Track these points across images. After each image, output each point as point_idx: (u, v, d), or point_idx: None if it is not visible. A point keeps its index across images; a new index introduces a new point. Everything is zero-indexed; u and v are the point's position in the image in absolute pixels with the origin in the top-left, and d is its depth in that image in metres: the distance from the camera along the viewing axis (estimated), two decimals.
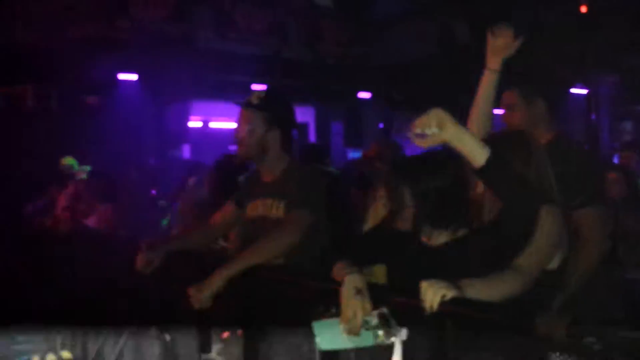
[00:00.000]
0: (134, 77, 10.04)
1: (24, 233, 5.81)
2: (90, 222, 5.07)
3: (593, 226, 2.64)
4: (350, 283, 1.91)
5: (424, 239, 2.14)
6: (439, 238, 2.13)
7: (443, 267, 1.98)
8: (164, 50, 9.81)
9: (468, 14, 11.69)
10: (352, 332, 1.85)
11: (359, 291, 1.88)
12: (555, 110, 2.87)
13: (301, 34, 11.70)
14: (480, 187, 2.09)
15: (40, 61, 8.79)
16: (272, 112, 2.84)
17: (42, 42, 8.89)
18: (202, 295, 2.49)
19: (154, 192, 6.65)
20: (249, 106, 2.84)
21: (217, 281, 2.49)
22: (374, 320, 1.83)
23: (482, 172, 1.83)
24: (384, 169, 3.92)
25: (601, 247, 2.71)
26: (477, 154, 1.82)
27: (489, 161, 1.80)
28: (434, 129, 1.81)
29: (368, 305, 1.86)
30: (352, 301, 1.87)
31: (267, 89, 2.97)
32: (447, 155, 2.12)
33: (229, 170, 3.79)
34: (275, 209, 2.78)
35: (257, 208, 2.87)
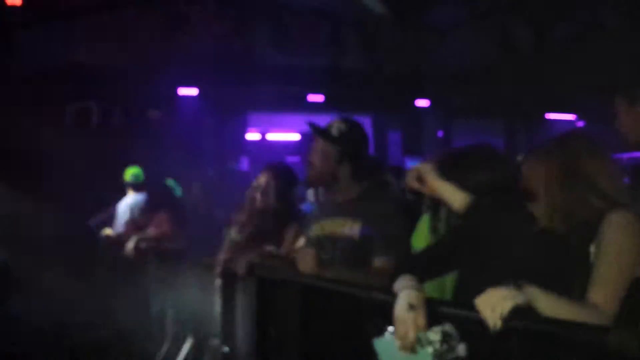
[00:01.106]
0: (194, 91, 10.27)
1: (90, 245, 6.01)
2: (150, 231, 5.19)
3: None
4: (404, 299, 1.85)
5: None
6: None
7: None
8: (223, 65, 10.00)
9: (528, 17, 11.43)
10: (407, 348, 1.79)
11: (412, 307, 1.81)
12: None
13: (358, 43, 11.68)
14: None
15: (103, 79, 9.12)
16: (347, 148, 2.90)
17: (104, 60, 9.21)
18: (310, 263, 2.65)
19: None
20: (326, 137, 2.91)
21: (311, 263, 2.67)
22: (434, 336, 1.76)
23: (464, 216, 2.05)
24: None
25: None
26: (456, 201, 2.10)
27: (468, 208, 2.03)
28: (415, 183, 2.06)
29: (422, 322, 1.79)
30: (404, 317, 1.81)
31: (347, 121, 3.02)
32: (492, 148, 2.08)
33: (286, 179, 3.82)
34: (348, 228, 2.82)
35: (325, 227, 2.92)
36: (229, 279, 3.38)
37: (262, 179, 3.76)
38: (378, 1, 11.56)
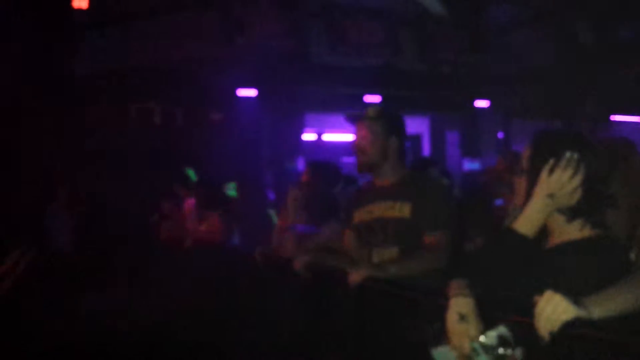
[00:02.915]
0: (253, 92, 10.41)
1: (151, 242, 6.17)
2: (203, 229, 5.31)
3: None
4: (454, 308, 1.83)
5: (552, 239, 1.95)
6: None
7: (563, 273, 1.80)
8: (280, 66, 10.10)
9: (591, 17, 11.11)
10: (463, 358, 1.78)
11: (462, 317, 1.80)
12: None
13: (415, 43, 11.59)
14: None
15: (164, 80, 9.36)
16: (390, 121, 3.03)
17: (165, 62, 9.44)
18: (362, 276, 2.66)
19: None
20: (367, 119, 3.01)
21: (362, 273, 2.67)
22: (490, 341, 1.74)
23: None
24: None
25: None
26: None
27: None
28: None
29: (474, 330, 1.77)
30: (456, 327, 1.80)
31: (380, 103, 3.13)
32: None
33: (324, 179, 3.89)
34: (398, 210, 2.88)
35: (373, 211, 2.97)
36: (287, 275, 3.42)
37: (303, 177, 3.87)
38: (435, 1, 11.45)
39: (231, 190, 6.18)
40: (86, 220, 7.21)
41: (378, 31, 11.19)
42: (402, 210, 2.87)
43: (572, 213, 1.87)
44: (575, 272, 1.79)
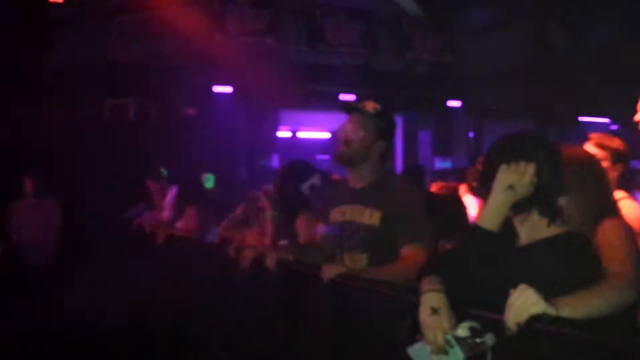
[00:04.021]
0: (228, 89, 10.41)
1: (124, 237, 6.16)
2: (179, 225, 5.32)
3: None
4: (426, 302, 1.88)
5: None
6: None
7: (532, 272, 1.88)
8: (256, 63, 10.12)
9: (564, 20, 11.32)
10: (438, 351, 1.82)
11: (435, 311, 1.85)
12: None
13: (391, 43, 11.71)
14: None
15: (140, 76, 9.30)
16: (384, 124, 2.94)
17: (141, 58, 9.39)
18: (335, 272, 2.62)
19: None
20: (363, 113, 2.92)
21: (336, 270, 2.64)
22: (462, 333, 1.80)
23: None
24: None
25: None
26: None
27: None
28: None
29: (447, 323, 1.82)
30: (429, 321, 1.84)
31: (381, 102, 3.03)
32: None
33: (292, 176, 3.89)
34: (368, 216, 2.81)
35: (345, 213, 2.91)
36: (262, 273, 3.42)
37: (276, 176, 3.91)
38: (412, 1, 11.58)
39: (209, 182, 6.15)
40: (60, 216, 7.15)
41: (355, 30, 11.28)
42: (372, 217, 2.80)
43: (528, 204, 1.96)
44: (547, 268, 1.87)
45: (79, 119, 8.91)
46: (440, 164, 12.21)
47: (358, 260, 2.82)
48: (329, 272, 2.63)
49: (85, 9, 9.25)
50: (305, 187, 3.82)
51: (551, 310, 1.62)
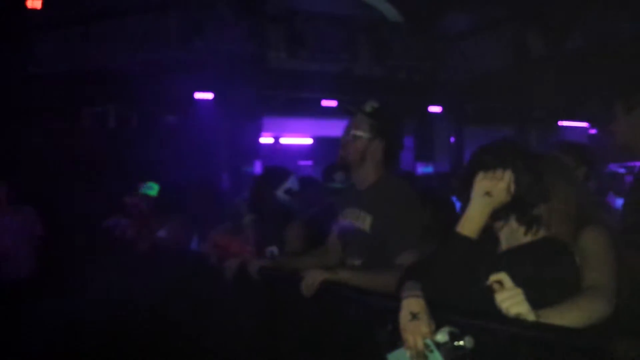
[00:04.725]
0: (209, 96, 10.38)
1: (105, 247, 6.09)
2: (162, 234, 5.26)
3: None
4: (406, 308, 1.89)
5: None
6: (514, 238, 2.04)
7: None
8: (237, 70, 10.11)
9: (542, 26, 11.47)
10: (418, 356, 1.83)
11: (414, 316, 1.86)
12: None
13: (371, 49, 11.77)
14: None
15: (120, 83, 9.24)
16: (380, 122, 2.84)
17: (122, 64, 9.33)
18: (317, 280, 2.55)
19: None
20: (360, 113, 2.87)
21: (334, 276, 2.55)
22: (442, 338, 1.81)
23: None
24: None
25: None
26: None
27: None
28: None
29: (426, 329, 1.83)
30: (409, 326, 1.86)
31: (381, 103, 2.95)
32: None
33: (267, 181, 3.87)
34: (361, 220, 2.77)
35: (347, 216, 2.89)
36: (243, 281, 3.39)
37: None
38: (392, 8, 11.66)
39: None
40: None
41: (336, 37, 11.32)
42: (364, 221, 2.74)
43: (506, 211, 2.00)
44: (524, 273, 1.87)
45: (58, 126, 8.83)
46: (423, 169, 12.28)
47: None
48: (310, 279, 2.59)
49: (64, 16, 9.18)
50: (280, 192, 3.78)
51: (531, 317, 1.66)
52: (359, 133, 2.82)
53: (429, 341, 1.81)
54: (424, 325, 1.84)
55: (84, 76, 9.21)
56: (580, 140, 5.68)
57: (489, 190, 1.95)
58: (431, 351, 1.80)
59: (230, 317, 3.55)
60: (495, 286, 1.72)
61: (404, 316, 1.88)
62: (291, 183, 3.81)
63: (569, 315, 1.73)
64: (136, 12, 9.67)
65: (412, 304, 1.89)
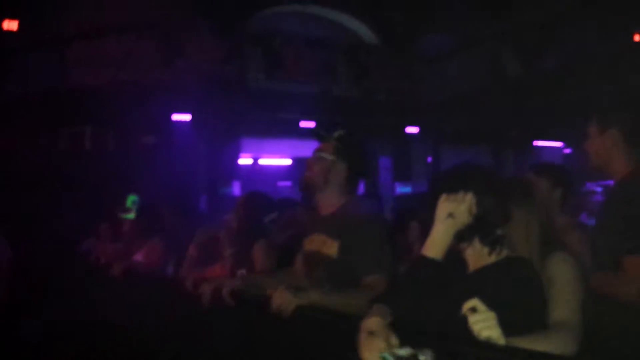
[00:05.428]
0: (187, 117, 10.35)
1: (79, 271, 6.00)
2: (139, 257, 5.19)
3: None
4: (363, 327, 1.89)
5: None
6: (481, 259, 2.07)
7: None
8: (216, 91, 10.11)
9: (517, 46, 11.66)
10: None
11: (371, 333, 1.86)
12: (632, 142, 2.58)
13: (350, 71, 11.86)
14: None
15: (97, 104, 9.19)
16: (343, 145, 2.91)
17: (99, 85, 9.29)
18: (289, 306, 2.49)
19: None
20: (325, 137, 2.95)
21: (305, 300, 2.49)
22: (403, 352, 1.80)
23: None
24: None
25: None
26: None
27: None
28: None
29: (382, 342, 1.82)
30: (365, 343, 1.85)
31: (347, 130, 3.01)
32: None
33: (255, 208, 3.91)
34: (328, 247, 2.77)
35: (313, 242, 2.88)
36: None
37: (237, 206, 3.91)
38: (369, 30, 11.78)
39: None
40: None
41: (314, 59, 11.40)
42: (331, 248, 2.75)
43: (469, 233, 2.03)
44: (489, 294, 1.88)
45: (33, 147, 8.73)
46: (401, 189, 12.35)
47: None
48: (279, 300, 2.55)
49: (39, 37, 9.14)
50: (267, 220, 3.87)
51: (502, 340, 1.69)
52: (323, 155, 2.89)
53: (387, 354, 1.80)
54: (379, 341, 1.83)
55: (60, 97, 9.15)
56: (555, 161, 5.75)
57: (452, 212, 1.99)
58: None
59: (207, 340, 3.51)
60: (468, 313, 1.74)
61: (361, 335, 1.89)
62: (275, 214, 3.95)
63: (538, 346, 1.76)
64: (114, 33, 9.65)
65: (369, 323, 1.89)
